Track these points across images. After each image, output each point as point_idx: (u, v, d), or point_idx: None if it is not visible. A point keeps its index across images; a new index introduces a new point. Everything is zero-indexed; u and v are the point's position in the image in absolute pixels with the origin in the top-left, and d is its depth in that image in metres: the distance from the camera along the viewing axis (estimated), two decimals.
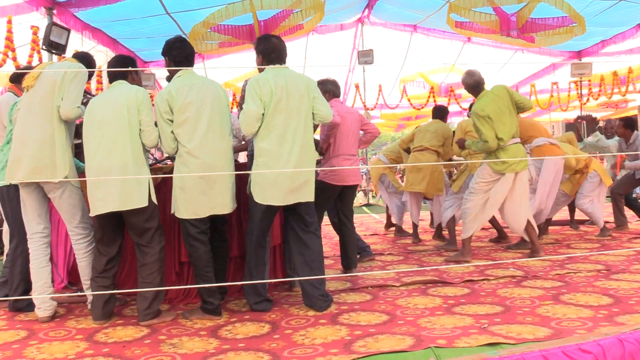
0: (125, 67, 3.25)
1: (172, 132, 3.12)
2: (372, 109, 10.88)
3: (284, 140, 3.16)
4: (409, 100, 11.56)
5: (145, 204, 3.05)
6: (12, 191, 3.40)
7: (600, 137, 6.03)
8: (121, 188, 3.01)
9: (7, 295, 3.44)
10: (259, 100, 3.13)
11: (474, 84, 4.49)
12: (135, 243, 3.18)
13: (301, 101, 3.23)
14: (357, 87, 10.61)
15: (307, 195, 3.26)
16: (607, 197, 6.10)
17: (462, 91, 12.42)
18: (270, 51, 3.30)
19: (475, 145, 4.56)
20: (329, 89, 4.26)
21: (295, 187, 3.18)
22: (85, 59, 3.45)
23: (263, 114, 3.15)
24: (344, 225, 4.36)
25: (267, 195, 3.17)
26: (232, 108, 6.28)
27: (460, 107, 11.87)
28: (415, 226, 5.87)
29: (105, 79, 7.87)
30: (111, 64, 3.28)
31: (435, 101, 11.19)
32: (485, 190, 4.45)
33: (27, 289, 3.46)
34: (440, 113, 5.85)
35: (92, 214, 3.12)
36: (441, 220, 5.64)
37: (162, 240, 3.18)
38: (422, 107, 11.46)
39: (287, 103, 3.17)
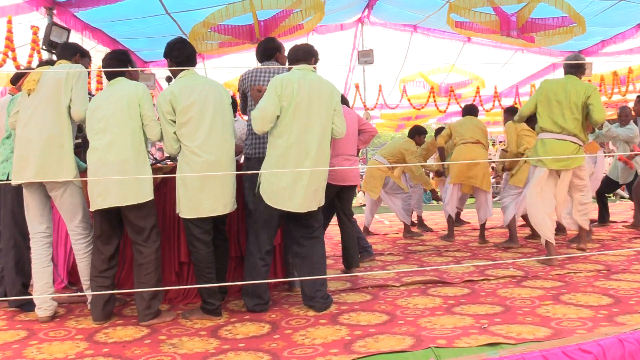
0: (120, 63, 3.24)
1: (174, 132, 3.12)
2: (372, 109, 10.87)
3: (299, 146, 3.13)
4: (409, 100, 11.55)
5: (144, 199, 3.06)
6: (3, 188, 3.41)
7: (609, 127, 5.90)
8: (121, 183, 3.01)
9: (5, 293, 3.44)
10: (277, 101, 3.10)
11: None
12: (132, 242, 3.18)
13: (323, 110, 3.20)
14: (357, 87, 10.59)
15: (316, 202, 3.25)
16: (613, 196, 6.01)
17: (462, 91, 12.42)
18: (297, 50, 3.32)
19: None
20: None
21: (306, 195, 3.15)
22: (73, 48, 3.47)
23: (278, 116, 3.13)
24: (344, 225, 4.37)
25: (277, 199, 3.14)
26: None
27: (460, 107, 11.84)
28: (452, 222, 5.72)
29: (105, 78, 7.88)
30: (106, 60, 3.27)
31: (435, 101, 11.18)
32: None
33: (24, 283, 3.47)
34: (472, 110, 5.87)
35: (92, 209, 3.12)
36: (485, 218, 5.61)
37: (158, 240, 3.17)
38: (422, 107, 11.44)
39: (308, 109, 3.14)
